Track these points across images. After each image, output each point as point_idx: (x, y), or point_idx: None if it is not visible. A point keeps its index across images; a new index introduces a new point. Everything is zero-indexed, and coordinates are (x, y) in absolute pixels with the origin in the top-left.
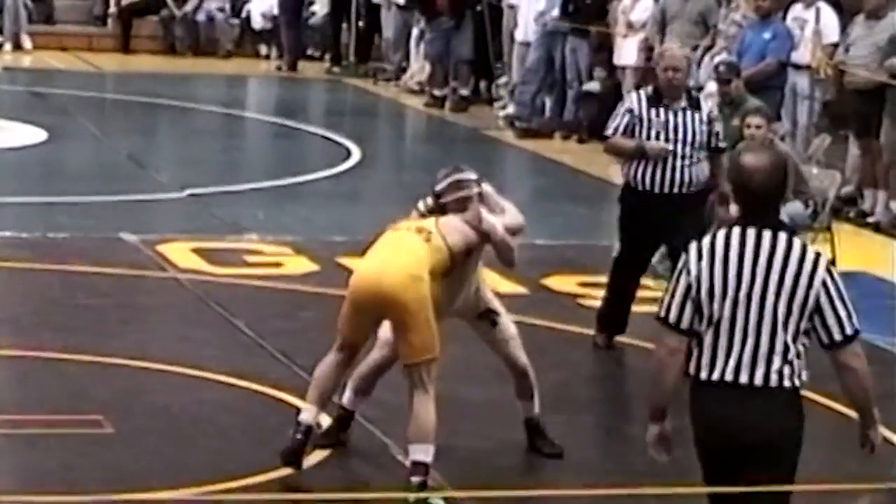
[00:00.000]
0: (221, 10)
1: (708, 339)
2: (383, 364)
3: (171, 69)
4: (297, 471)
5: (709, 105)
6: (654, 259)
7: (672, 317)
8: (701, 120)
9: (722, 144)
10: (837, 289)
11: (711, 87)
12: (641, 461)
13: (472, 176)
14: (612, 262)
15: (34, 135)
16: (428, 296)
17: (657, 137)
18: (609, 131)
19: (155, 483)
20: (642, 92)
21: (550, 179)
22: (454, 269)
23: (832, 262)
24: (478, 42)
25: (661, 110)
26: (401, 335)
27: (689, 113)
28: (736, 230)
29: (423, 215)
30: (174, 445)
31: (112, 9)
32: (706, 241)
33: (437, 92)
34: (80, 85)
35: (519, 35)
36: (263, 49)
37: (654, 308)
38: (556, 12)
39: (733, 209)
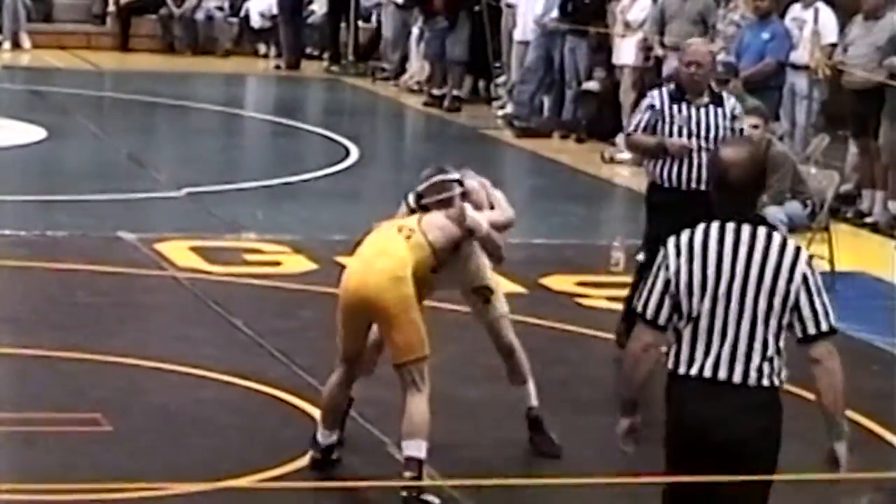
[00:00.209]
0: (220, 8)
1: (687, 335)
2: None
3: (170, 68)
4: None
5: (732, 101)
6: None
7: (649, 312)
8: (724, 115)
9: None
10: (817, 284)
11: (712, 85)
12: (641, 460)
13: (454, 176)
14: (636, 266)
15: (33, 133)
16: (411, 295)
17: (679, 133)
18: (630, 128)
19: (153, 481)
20: (664, 88)
21: (549, 179)
22: (441, 265)
23: (830, 262)
24: (476, 42)
25: (684, 106)
26: (386, 336)
27: (711, 109)
28: (715, 225)
29: (411, 210)
30: (172, 444)
31: (111, 7)
32: (685, 236)
33: (435, 91)
34: (78, 83)
35: (517, 34)
36: (262, 48)
37: None
38: (555, 13)
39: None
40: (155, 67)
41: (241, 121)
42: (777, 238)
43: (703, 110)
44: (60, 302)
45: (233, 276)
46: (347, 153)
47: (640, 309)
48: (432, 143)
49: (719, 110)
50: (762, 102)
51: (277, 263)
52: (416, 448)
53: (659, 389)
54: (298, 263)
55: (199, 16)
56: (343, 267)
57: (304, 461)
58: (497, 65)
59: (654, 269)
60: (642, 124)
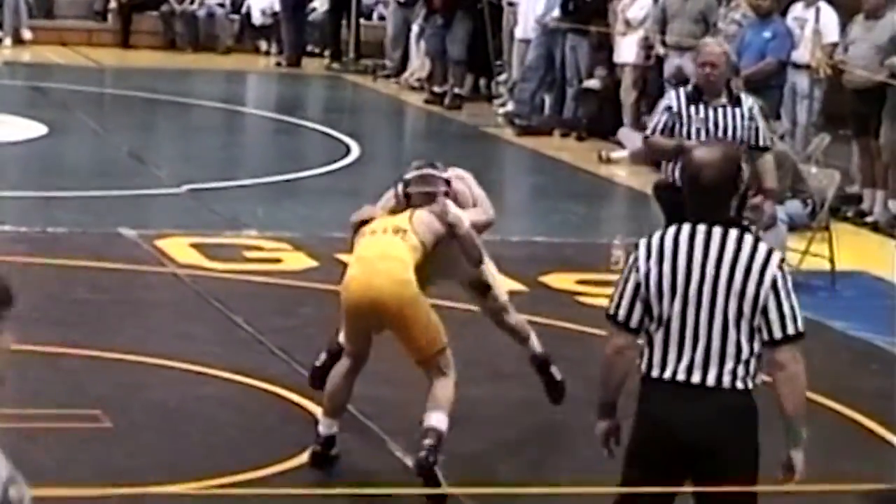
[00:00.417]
0: (221, 5)
1: (659, 338)
2: None
3: (171, 64)
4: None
5: (750, 102)
6: None
7: (621, 315)
8: (742, 116)
9: (763, 142)
10: (787, 287)
11: None
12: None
13: (444, 175)
14: None
15: (34, 129)
16: (419, 293)
17: (697, 135)
18: (648, 131)
19: (153, 478)
20: (682, 89)
21: (549, 177)
22: (431, 262)
23: (831, 261)
24: (477, 39)
25: (702, 107)
26: (405, 337)
27: (729, 109)
28: (686, 226)
29: (397, 200)
30: (172, 440)
31: (112, 4)
32: (655, 237)
33: (437, 88)
34: (79, 80)
35: (519, 33)
36: (263, 45)
37: None
38: (556, 12)
39: (769, 206)
40: (156, 64)
41: (242, 118)
42: (748, 240)
43: (720, 111)
44: (60, 298)
45: (233, 272)
46: (348, 150)
47: (611, 311)
48: (433, 140)
49: (737, 111)
50: (763, 101)
51: (278, 260)
52: (437, 420)
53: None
54: (299, 260)
55: (201, 12)
56: (343, 265)
57: (304, 458)
58: (498, 63)
59: (626, 271)
60: (660, 126)
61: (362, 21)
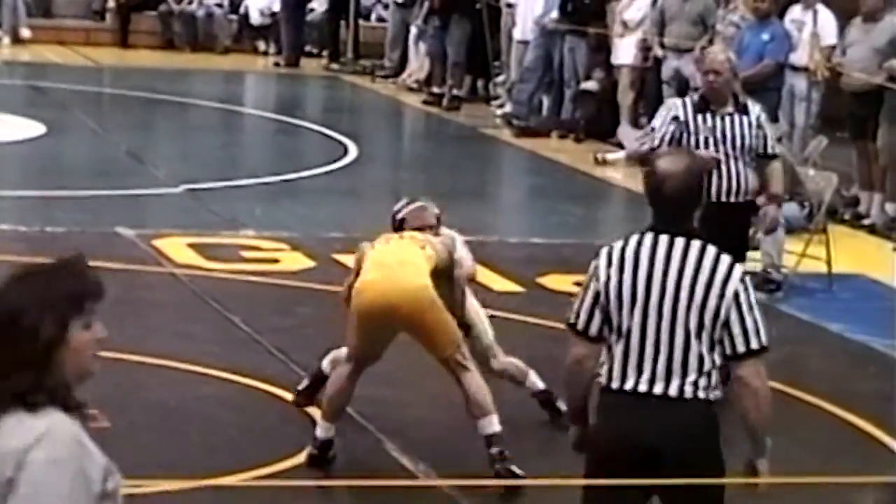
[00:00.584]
0: (220, 5)
1: (619, 349)
2: None
3: (170, 64)
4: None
5: (757, 110)
6: None
7: (581, 323)
8: (750, 124)
9: (772, 150)
10: (749, 301)
11: None
12: None
13: (436, 210)
14: None
15: (32, 129)
16: (436, 296)
17: (705, 144)
18: (655, 142)
19: (150, 477)
20: (688, 99)
21: (547, 178)
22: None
23: (828, 263)
24: (475, 41)
25: (709, 116)
26: (426, 339)
27: (737, 118)
28: (648, 236)
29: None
30: (170, 440)
31: (110, 3)
32: (616, 246)
33: (436, 89)
34: (78, 79)
35: (517, 34)
36: (261, 45)
37: None
38: (554, 13)
39: (773, 210)
40: (154, 64)
41: (240, 118)
42: (711, 253)
43: (727, 119)
44: None
45: (231, 272)
46: (346, 151)
47: (571, 320)
48: (431, 141)
49: (744, 119)
50: (761, 103)
51: (275, 261)
52: (490, 424)
53: None
54: (296, 261)
55: (199, 12)
56: (341, 265)
57: (301, 458)
58: (496, 64)
59: (586, 279)
60: (667, 137)
61: (361, 22)
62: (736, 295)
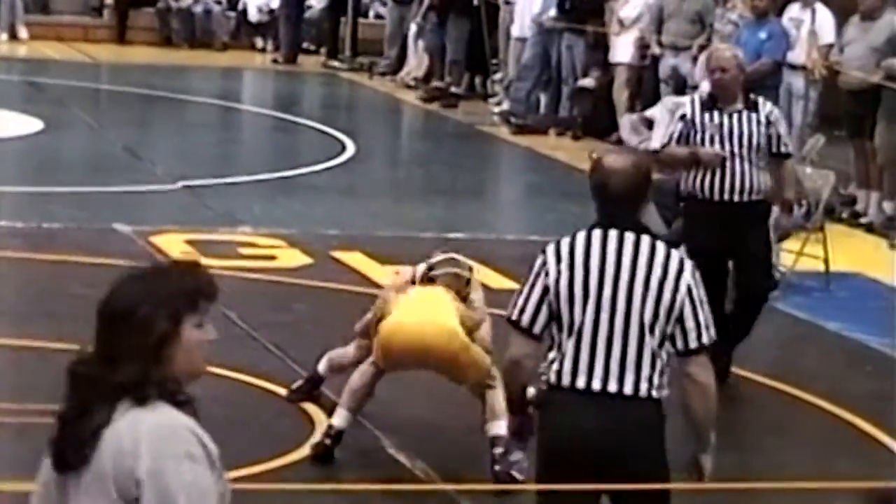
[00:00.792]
0: (218, 2)
1: (570, 346)
2: (352, 364)
3: (167, 61)
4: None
5: (768, 107)
6: None
7: (525, 320)
8: (758, 122)
9: (785, 149)
10: (700, 296)
11: (706, 85)
12: None
13: (469, 263)
14: None
15: (30, 125)
16: (465, 337)
17: (711, 142)
18: (664, 139)
19: None
20: (697, 96)
21: (544, 176)
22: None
23: (825, 262)
24: (473, 38)
25: (716, 114)
26: (457, 379)
27: (745, 115)
28: (597, 232)
29: (416, 281)
30: None
31: (108, 0)
32: (565, 242)
33: (436, 83)
34: (75, 75)
35: (515, 31)
36: (259, 42)
37: None
38: (552, 11)
39: (785, 218)
40: (152, 60)
41: (238, 114)
42: (661, 247)
43: (735, 117)
44: (55, 293)
45: (228, 269)
46: (343, 148)
47: (514, 316)
48: (428, 138)
49: (753, 116)
50: None
51: (272, 257)
52: (498, 426)
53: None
54: (293, 257)
55: (197, 9)
56: (337, 261)
57: (297, 455)
58: (494, 61)
59: (531, 276)
60: (675, 135)
61: (359, 19)
62: (689, 289)
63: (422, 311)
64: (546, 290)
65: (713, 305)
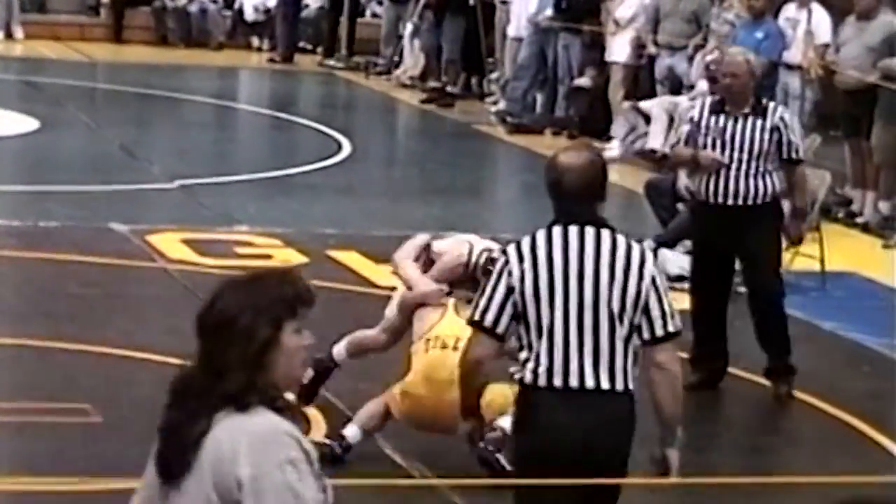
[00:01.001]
0: (214, 1)
1: (543, 344)
2: (377, 347)
3: (164, 60)
4: None
5: (778, 113)
6: None
7: (488, 320)
8: (763, 128)
9: (792, 155)
10: (663, 285)
11: (703, 85)
12: (631, 461)
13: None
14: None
15: (26, 124)
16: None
17: (713, 146)
18: (673, 140)
19: (141, 472)
20: (708, 99)
21: (540, 175)
22: None
23: (821, 261)
24: (470, 37)
25: (722, 118)
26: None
27: (750, 120)
28: (557, 229)
29: (465, 268)
30: None
31: None
32: (525, 241)
33: (433, 83)
34: (72, 74)
35: (511, 31)
36: (255, 41)
37: None
38: (549, 11)
39: (794, 227)
40: (148, 59)
41: (234, 114)
42: (622, 239)
43: (739, 121)
44: (52, 292)
45: (224, 268)
46: (339, 147)
47: (477, 317)
48: (424, 138)
49: (758, 122)
50: None
51: (269, 256)
52: (505, 421)
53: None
54: (290, 257)
55: (193, 8)
56: (333, 260)
57: None
58: (490, 61)
59: (494, 276)
60: (683, 137)
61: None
62: (653, 278)
63: (439, 389)
64: (510, 289)
65: (713, 306)
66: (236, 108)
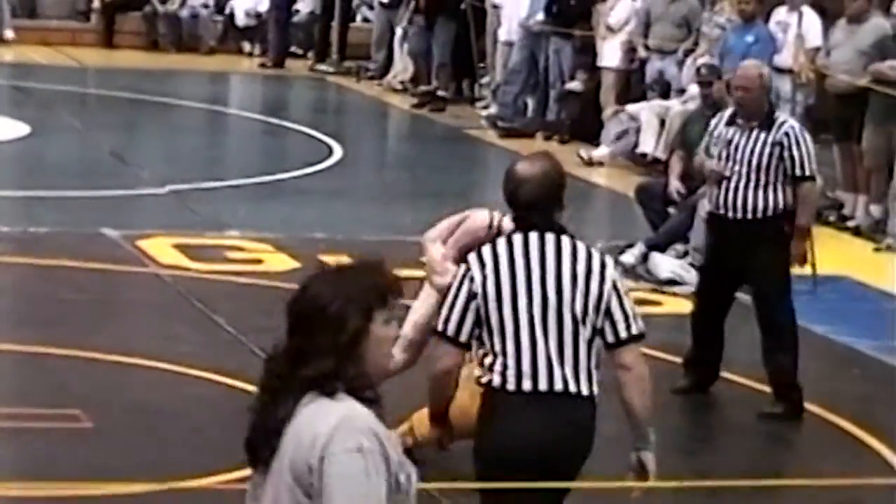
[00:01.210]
0: (205, 6)
1: (510, 349)
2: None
3: (154, 65)
4: None
5: (784, 128)
6: (630, 259)
7: (451, 329)
8: (765, 142)
9: (801, 172)
10: (624, 289)
11: (693, 89)
12: (625, 459)
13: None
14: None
15: (17, 129)
16: None
17: (719, 157)
18: (700, 149)
19: (132, 477)
20: (728, 111)
21: None
22: None
23: (812, 265)
24: (460, 42)
25: (731, 129)
26: None
27: (754, 134)
28: (517, 237)
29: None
30: (152, 441)
31: (95, 4)
32: (486, 248)
33: (423, 88)
34: (62, 80)
35: (502, 35)
36: (247, 46)
37: (647, 309)
38: (540, 15)
39: (798, 246)
40: (139, 64)
41: (226, 119)
42: (581, 245)
43: (745, 134)
44: (43, 298)
45: (215, 273)
46: (331, 152)
47: (440, 327)
48: (416, 142)
49: (762, 135)
50: None
51: (260, 261)
52: None
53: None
54: (281, 262)
55: (184, 13)
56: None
57: None
58: (481, 65)
59: (455, 284)
60: (703, 147)
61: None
62: (614, 282)
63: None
64: (472, 296)
65: (714, 312)
66: (227, 112)
